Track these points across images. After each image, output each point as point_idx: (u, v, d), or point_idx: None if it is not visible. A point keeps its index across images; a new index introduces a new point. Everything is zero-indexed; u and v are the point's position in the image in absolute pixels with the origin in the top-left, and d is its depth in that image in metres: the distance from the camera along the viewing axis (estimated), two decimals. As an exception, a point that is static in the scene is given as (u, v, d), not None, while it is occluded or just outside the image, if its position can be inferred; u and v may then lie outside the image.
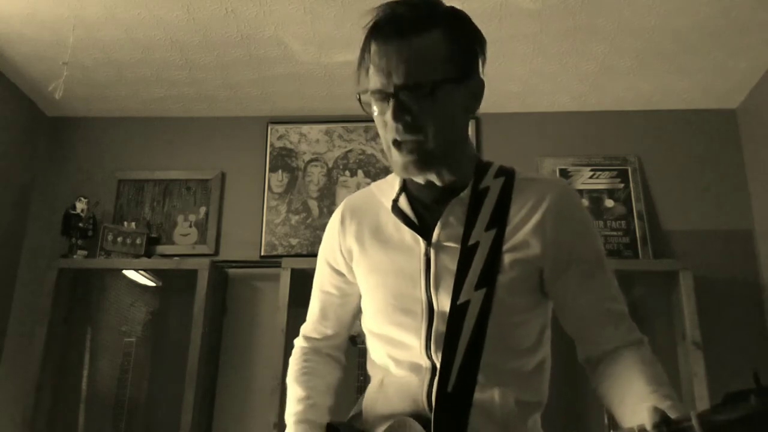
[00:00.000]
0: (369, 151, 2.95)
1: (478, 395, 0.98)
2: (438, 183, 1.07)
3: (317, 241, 2.97)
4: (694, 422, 0.73)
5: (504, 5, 2.28)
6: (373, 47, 1.01)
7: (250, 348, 2.73)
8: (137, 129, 3.06)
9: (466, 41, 1.03)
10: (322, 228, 2.81)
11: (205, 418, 2.56)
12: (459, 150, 1.07)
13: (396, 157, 1.02)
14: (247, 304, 2.79)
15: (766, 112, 2.68)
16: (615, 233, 2.72)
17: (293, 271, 2.52)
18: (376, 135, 3.05)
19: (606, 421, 2.36)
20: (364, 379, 2.31)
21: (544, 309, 1.09)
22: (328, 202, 2.89)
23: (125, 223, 2.83)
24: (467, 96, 1.04)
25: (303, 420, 1.16)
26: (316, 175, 2.94)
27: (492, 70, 2.66)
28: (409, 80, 0.96)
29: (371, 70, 1.01)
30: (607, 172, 2.84)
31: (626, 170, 2.84)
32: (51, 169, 3.02)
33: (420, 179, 1.08)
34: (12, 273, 2.85)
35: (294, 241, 2.84)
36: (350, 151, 2.96)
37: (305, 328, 1.28)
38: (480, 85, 1.06)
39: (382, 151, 2.94)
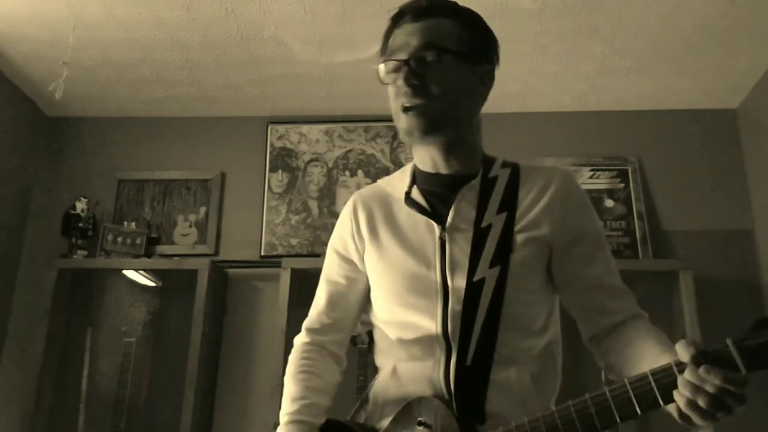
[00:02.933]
0: (369, 151, 2.95)
1: (495, 374, 1.01)
2: (445, 170, 1.14)
3: (317, 241, 2.99)
4: (732, 348, 0.80)
5: (504, 5, 2.28)
6: (394, 28, 1.12)
7: (250, 348, 2.73)
8: (137, 129, 3.05)
9: (477, 32, 1.13)
10: (322, 228, 2.85)
11: (205, 418, 2.56)
12: (465, 134, 1.14)
13: (403, 122, 1.09)
14: (247, 304, 2.79)
15: (766, 112, 2.68)
16: (615, 233, 2.72)
17: (293, 271, 2.52)
18: (376, 135, 3.07)
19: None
20: (364, 379, 2.32)
21: (550, 291, 1.13)
22: (328, 202, 2.89)
23: (125, 223, 2.83)
24: (474, 78, 1.12)
25: (296, 420, 1.12)
26: (316, 175, 2.94)
27: (492, 70, 2.66)
28: (422, 49, 1.07)
29: (389, 46, 1.12)
30: (607, 172, 2.84)
31: (626, 170, 2.83)
32: (51, 169, 3.02)
33: (426, 149, 1.14)
34: (12, 273, 2.85)
35: (294, 241, 2.84)
36: (350, 151, 2.96)
37: (308, 321, 1.24)
38: (487, 73, 1.14)
39: (382, 150, 2.95)
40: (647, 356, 0.95)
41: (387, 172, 2.92)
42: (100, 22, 2.41)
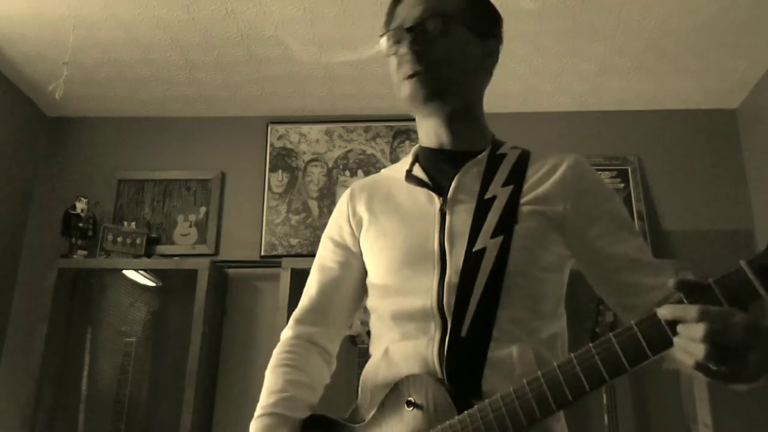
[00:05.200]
0: (369, 151, 2.95)
1: (495, 351, 0.93)
2: (450, 146, 1.10)
3: (317, 241, 2.95)
4: (745, 267, 0.73)
5: (504, 5, 2.26)
6: (398, 3, 1.10)
7: (250, 348, 2.73)
8: (137, 129, 3.06)
9: (483, 6, 1.12)
10: (322, 228, 2.80)
11: (205, 418, 2.56)
12: (471, 106, 1.11)
13: (405, 89, 1.05)
14: (247, 304, 2.79)
15: (766, 112, 2.68)
16: (615, 233, 2.72)
17: (293, 271, 2.52)
18: (376, 135, 3.07)
19: (606, 420, 2.36)
20: (364, 379, 2.32)
21: (560, 277, 1.04)
22: (328, 202, 2.89)
23: (125, 223, 2.83)
24: (479, 50, 1.08)
25: (270, 413, 1.04)
26: (316, 175, 2.94)
27: (492, 70, 2.66)
28: (425, 14, 1.04)
29: (393, 17, 1.09)
30: (607, 172, 2.84)
31: (626, 170, 2.84)
32: (51, 169, 3.02)
33: (431, 119, 1.10)
34: (12, 273, 2.85)
35: (294, 241, 2.84)
36: (350, 151, 2.96)
37: (296, 311, 1.15)
38: (495, 47, 1.11)
39: (382, 150, 2.94)
40: None
41: (387, 172, 2.92)
42: (100, 22, 2.41)
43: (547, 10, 2.31)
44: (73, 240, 2.73)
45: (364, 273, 1.12)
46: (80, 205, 2.77)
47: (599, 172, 2.79)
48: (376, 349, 1.06)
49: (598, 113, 2.95)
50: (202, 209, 2.92)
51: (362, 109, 2.96)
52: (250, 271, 2.81)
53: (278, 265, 2.57)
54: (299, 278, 2.52)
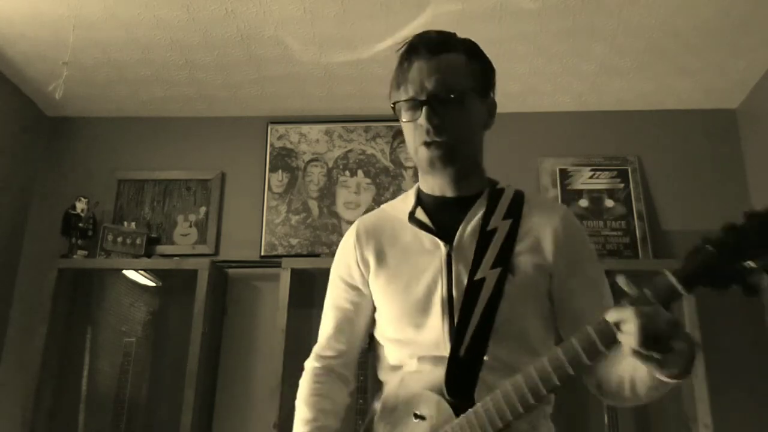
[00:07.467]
0: (369, 151, 2.95)
1: (486, 374, 1.06)
2: (452, 194, 1.20)
3: (317, 241, 3.00)
4: (668, 275, 0.90)
5: (504, 5, 2.28)
6: (407, 63, 1.17)
7: (250, 348, 2.73)
8: (137, 129, 3.05)
9: (482, 64, 1.20)
10: (322, 228, 2.85)
11: (205, 418, 2.56)
12: (477, 160, 1.22)
13: (424, 155, 1.16)
14: (247, 304, 2.79)
15: (766, 112, 2.68)
16: (615, 233, 2.72)
17: (293, 271, 2.52)
18: (376, 135, 3.07)
19: (606, 420, 2.36)
20: (364, 380, 2.32)
21: (550, 317, 1.17)
22: (328, 202, 2.89)
23: (125, 223, 2.83)
24: (484, 111, 1.20)
25: None
26: (316, 175, 2.94)
27: (492, 70, 2.66)
28: (441, 89, 1.13)
29: (405, 82, 1.17)
30: (607, 172, 2.84)
31: (626, 170, 2.83)
32: (51, 169, 3.02)
33: (441, 178, 1.20)
34: (12, 273, 2.85)
35: (294, 241, 2.84)
36: (350, 151, 2.96)
37: (318, 347, 1.29)
38: (494, 105, 1.22)
39: (382, 150, 2.94)
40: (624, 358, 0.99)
41: (387, 171, 2.92)
42: (100, 22, 2.41)
43: (547, 10, 2.31)
44: (73, 240, 2.73)
45: (373, 308, 1.24)
46: (80, 205, 2.77)
47: (598, 173, 2.82)
48: (389, 379, 1.20)
49: (598, 113, 2.95)
50: (202, 209, 2.92)
51: (362, 109, 2.96)
52: (250, 271, 2.81)
53: (278, 265, 2.57)
54: (299, 278, 2.53)
